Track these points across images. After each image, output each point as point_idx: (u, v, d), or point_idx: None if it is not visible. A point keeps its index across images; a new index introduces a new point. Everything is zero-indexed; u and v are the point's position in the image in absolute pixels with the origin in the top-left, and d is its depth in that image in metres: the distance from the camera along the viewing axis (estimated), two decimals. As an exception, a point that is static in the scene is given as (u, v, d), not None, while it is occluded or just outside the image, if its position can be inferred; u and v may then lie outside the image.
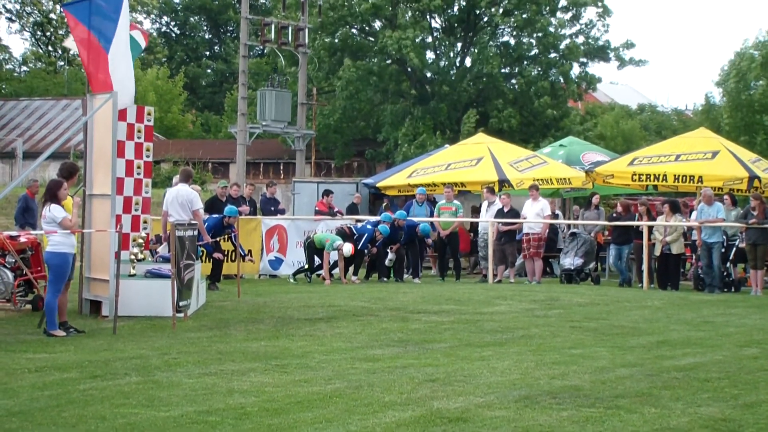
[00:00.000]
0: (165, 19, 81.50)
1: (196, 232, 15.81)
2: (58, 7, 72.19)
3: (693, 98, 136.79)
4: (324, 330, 13.82)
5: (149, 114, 16.13)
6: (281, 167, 55.98)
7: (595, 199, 25.33)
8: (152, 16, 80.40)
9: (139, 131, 16.00)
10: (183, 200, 17.47)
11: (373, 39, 53.08)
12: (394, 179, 28.22)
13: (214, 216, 20.60)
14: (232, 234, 20.68)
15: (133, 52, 16.20)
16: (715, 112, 46.59)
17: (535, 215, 23.85)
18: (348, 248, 21.97)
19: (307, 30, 45.99)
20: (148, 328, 13.96)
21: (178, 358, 11.17)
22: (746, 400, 9.17)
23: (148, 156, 16.17)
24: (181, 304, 14.46)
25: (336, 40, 53.07)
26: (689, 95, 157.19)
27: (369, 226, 22.80)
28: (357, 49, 53.09)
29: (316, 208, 26.11)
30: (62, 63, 75.44)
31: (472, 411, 8.53)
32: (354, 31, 54.47)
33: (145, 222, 16.28)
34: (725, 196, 23.42)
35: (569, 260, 24.01)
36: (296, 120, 47.09)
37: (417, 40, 50.65)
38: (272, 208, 25.46)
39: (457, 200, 25.24)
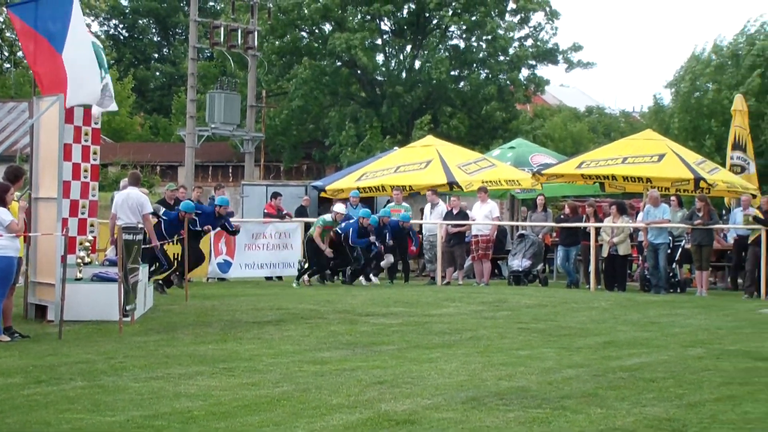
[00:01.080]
0: (113, 21, 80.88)
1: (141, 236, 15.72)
2: (4, 9, 71.40)
3: (640, 101, 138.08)
4: (272, 333, 13.79)
5: (96, 117, 16.01)
6: (230, 170, 55.72)
7: (539, 200, 25.46)
8: (100, 18, 79.78)
9: (86, 134, 15.90)
10: (133, 203, 17.25)
11: (322, 42, 53.03)
12: (343, 182, 28.20)
13: (170, 212, 20.37)
14: (227, 224, 21.30)
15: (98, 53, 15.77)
16: (664, 114, 46.88)
17: (483, 217, 23.95)
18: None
19: (256, 33, 45.90)
20: (95, 332, 13.86)
21: (125, 363, 11.09)
22: (690, 400, 9.27)
23: (95, 159, 16.06)
24: (127, 307, 14.37)
25: (286, 43, 52.94)
26: (637, 97, 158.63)
27: (350, 221, 22.96)
28: (307, 51, 53.00)
29: (265, 211, 26.03)
30: (8, 65, 74.63)
31: (420, 413, 8.55)
32: (304, 34, 54.40)
33: (91, 225, 16.17)
34: (672, 198, 23.66)
35: (517, 262, 24.15)
36: (245, 123, 46.97)
37: (366, 43, 50.68)
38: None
39: (407, 203, 25.31)
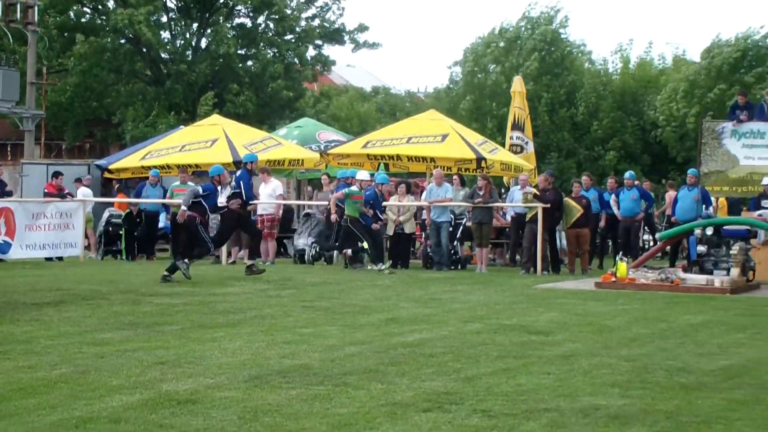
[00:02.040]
0: None
1: None
2: None
3: (425, 81, 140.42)
4: (51, 314, 13.42)
5: None
6: (8, 148, 53.81)
7: (324, 180, 25.62)
8: None
9: None
10: None
11: (105, 18, 51.71)
12: (126, 161, 27.68)
13: None
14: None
15: None
16: (455, 94, 47.82)
17: (267, 196, 23.94)
18: None
19: (36, 7, 44.34)
20: None
21: None
22: (468, 374, 9.51)
23: None
24: None
25: (68, 18, 51.36)
26: (422, 78, 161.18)
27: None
28: (90, 27, 51.57)
29: (45, 191, 25.30)
30: None
31: (201, 392, 8.49)
32: (87, 9, 52.92)
33: None
34: (454, 177, 24.22)
35: (303, 241, 24.25)
36: (25, 100, 45.40)
37: (152, 19, 49.69)
38: (-1, 191, 24.53)
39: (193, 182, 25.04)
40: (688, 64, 45.94)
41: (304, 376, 9.21)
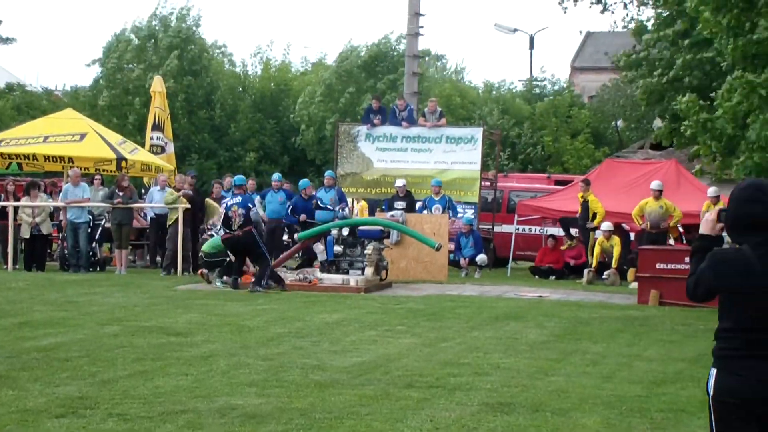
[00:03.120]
0: None
1: None
2: None
3: (63, 79, 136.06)
4: None
5: None
6: None
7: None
8: None
9: None
10: None
11: None
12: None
13: None
14: None
15: None
16: (96, 91, 46.71)
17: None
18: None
19: None
20: None
21: None
22: (104, 377, 9.38)
23: None
24: None
25: None
26: (59, 76, 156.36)
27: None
28: None
29: None
30: None
31: None
32: None
33: None
34: (96, 176, 23.74)
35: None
36: None
37: None
38: None
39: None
40: (327, 68, 47.19)
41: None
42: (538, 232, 26.39)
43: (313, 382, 9.41)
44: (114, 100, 43.85)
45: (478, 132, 26.29)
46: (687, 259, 17.16)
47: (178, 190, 22.31)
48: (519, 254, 25.84)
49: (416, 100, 30.98)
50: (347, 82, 43.78)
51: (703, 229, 5.10)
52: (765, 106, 17.11)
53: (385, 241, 20.83)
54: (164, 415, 7.89)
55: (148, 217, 24.13)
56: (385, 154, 26.05)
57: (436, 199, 23.91)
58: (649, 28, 25.27)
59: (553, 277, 23.57)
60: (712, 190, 21.56)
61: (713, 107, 18.75)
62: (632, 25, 26.04)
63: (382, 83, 43.26)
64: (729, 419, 4.80)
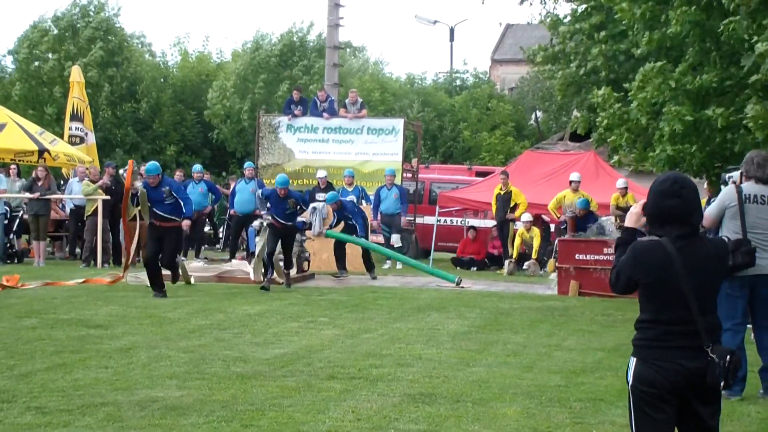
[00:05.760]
0: None
1: None
2: None
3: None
4: None
5: None
6: None
7: None
8: None
9: None
10: None
11: None
12: None
13: None
14: None
15: None
16: (6, 81, 46.02)
17: None
18: None
19: None
20: None
21: None
22: (22, 371, 9.26)
23: None
24: None
25: None
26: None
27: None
28: None
29: None
30: None
31: None
32: None
33: None
34: (12, 168, 23.41)
35: None
36: None
37: None
38: None
39: None
40: (243, 58, 46.98)
41: None
42: (459, 224, 26.55)
43: (235, 374, 9.39)
44: (29, 92, 43.19)
45: (399, 123, 26.39)
46: (606, 250, 17.56)
47: (94, 182, 22.04)
48: (441, 245, 25.96)
49: (337, 92, 30.99)
50: (260, 72, 43.59)
51: (628, 222, 5.20)
52: (676, 98, 17.33)
53: (307, 232, 20.78)
54: (84, 408, 7.81)
55: (68, 209, 23.83)
56: (307, 145, 26.04)
57: (350, 190, 23.89)
58: (566, 22, 25.45)
59: (475, 268, 23.75)
60: (620, 182, 21.90)
61: (628, 99, 18.96)
62: (549, 20, 26.20)
63: (298, 69, 43.18)
64: (648, 408, 4.90)
